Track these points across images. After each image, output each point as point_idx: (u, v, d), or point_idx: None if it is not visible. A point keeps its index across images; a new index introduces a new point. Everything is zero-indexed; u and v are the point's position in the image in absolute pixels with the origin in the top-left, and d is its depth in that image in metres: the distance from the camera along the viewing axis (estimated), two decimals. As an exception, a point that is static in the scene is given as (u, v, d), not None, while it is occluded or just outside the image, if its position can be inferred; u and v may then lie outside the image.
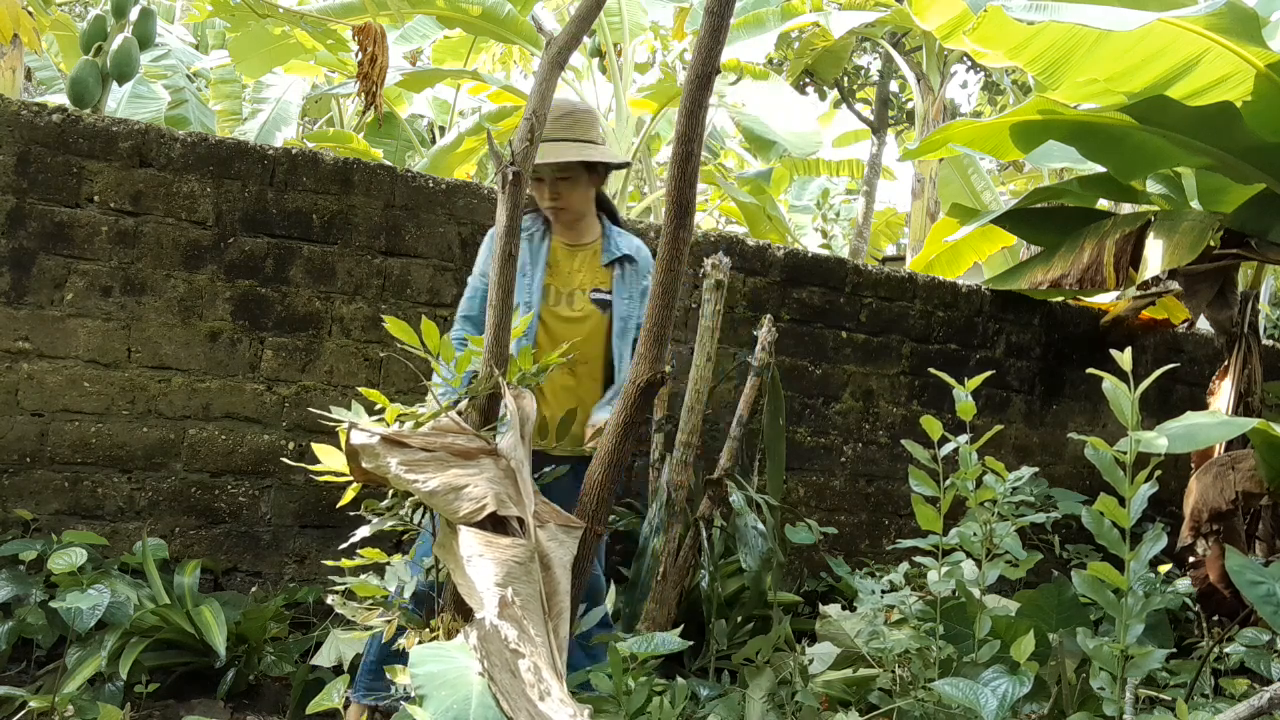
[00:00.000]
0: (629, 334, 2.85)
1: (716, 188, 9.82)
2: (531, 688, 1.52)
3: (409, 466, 1.76)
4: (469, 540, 1.68)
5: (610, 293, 2.84)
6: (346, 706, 2.68)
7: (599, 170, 2.82)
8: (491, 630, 1.55)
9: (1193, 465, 4.15)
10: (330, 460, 2.01)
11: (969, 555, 2.58)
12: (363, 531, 2.04)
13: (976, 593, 2.53)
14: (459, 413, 2.06)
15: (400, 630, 2.04)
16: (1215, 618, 3.60)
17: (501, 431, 2.04)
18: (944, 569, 2.57)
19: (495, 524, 1.79)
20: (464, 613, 1.88)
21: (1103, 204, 5.33)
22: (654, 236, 4.10)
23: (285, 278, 3.59)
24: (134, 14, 4.63)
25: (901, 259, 11.77)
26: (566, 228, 2.84)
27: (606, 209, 2.97)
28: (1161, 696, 2.64)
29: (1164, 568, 2.38)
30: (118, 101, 7.25)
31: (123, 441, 3.38)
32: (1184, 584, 2.45)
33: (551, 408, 2.77)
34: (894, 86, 12.55)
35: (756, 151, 8.92)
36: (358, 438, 1.78)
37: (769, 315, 3.38)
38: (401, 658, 2.63)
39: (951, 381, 2.58)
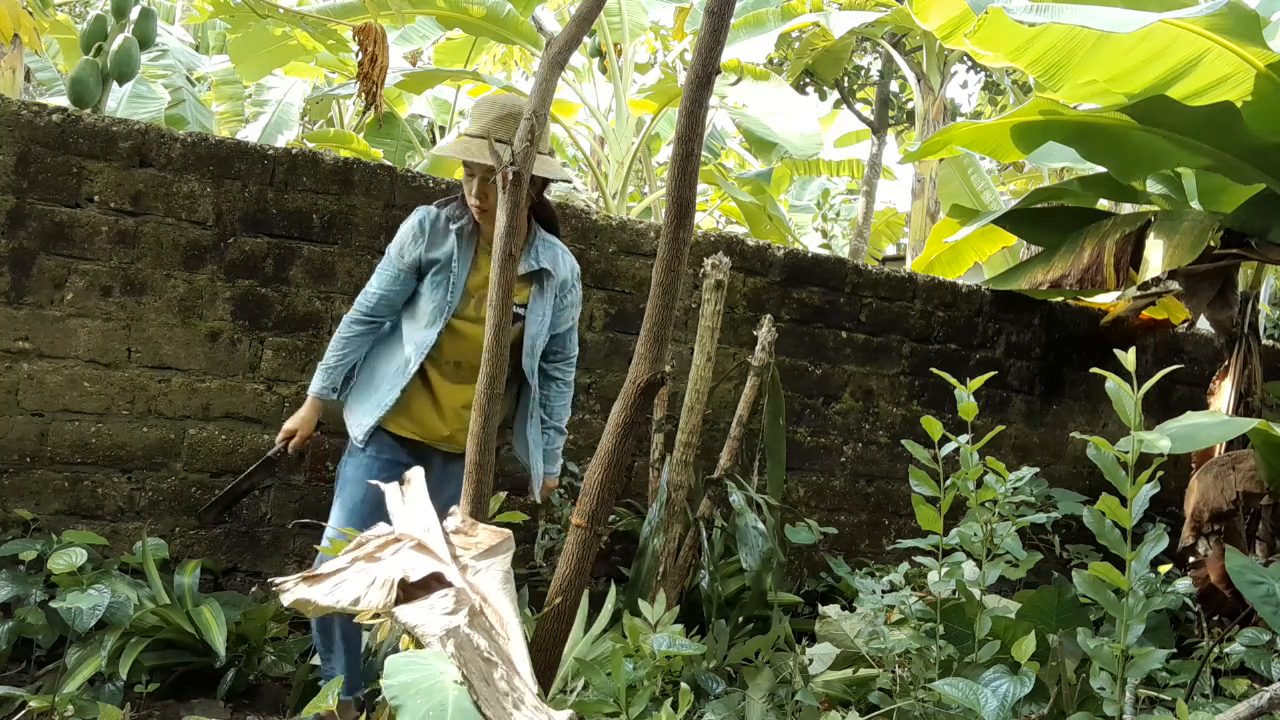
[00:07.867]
0: (537, 353, 2.74)
1: (716, 188, 9.80)
2: (506, 696, 1.53)
3: (328, 592, 1.82)
4: (402, 616, 1.71)
5: (525, 307, 2.69)
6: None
7: (535, 180, 2.55)
8: (465, 638, 1.56)
9: (1193, 465, 4.15)
10: None
11: (969, 555, 2.58)
12: None
13: (976, 593, 2.53)
14: None
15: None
16: (1215, 618, 3.60)
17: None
18: (944, 569, 2.57)
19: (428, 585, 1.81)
20: None
21: (1103, 204, 5.33)
22: (654, 236, 4.10)
23: (285, 278, 3.58)
24: (134, 14, 4.64)
25: (901, 259, 11.77)
26: (490, 228, 2.62)
27: (543, 216, 2.77)
28: (1161, 696, 2.65)
29: (1164, 568, 2.38)
30: (118, 101, 7.25)
31: (123, 441, 3.38)
32: (1184, 584, 2.46)
33: (450, 424, 2.68)
34: (894, 86, 12.54)
35: (757, 152, 8.91)
36: (287, 599, 1.85)
37: (769, 315, 3.38)
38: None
39: (953, 381, 2.57)
